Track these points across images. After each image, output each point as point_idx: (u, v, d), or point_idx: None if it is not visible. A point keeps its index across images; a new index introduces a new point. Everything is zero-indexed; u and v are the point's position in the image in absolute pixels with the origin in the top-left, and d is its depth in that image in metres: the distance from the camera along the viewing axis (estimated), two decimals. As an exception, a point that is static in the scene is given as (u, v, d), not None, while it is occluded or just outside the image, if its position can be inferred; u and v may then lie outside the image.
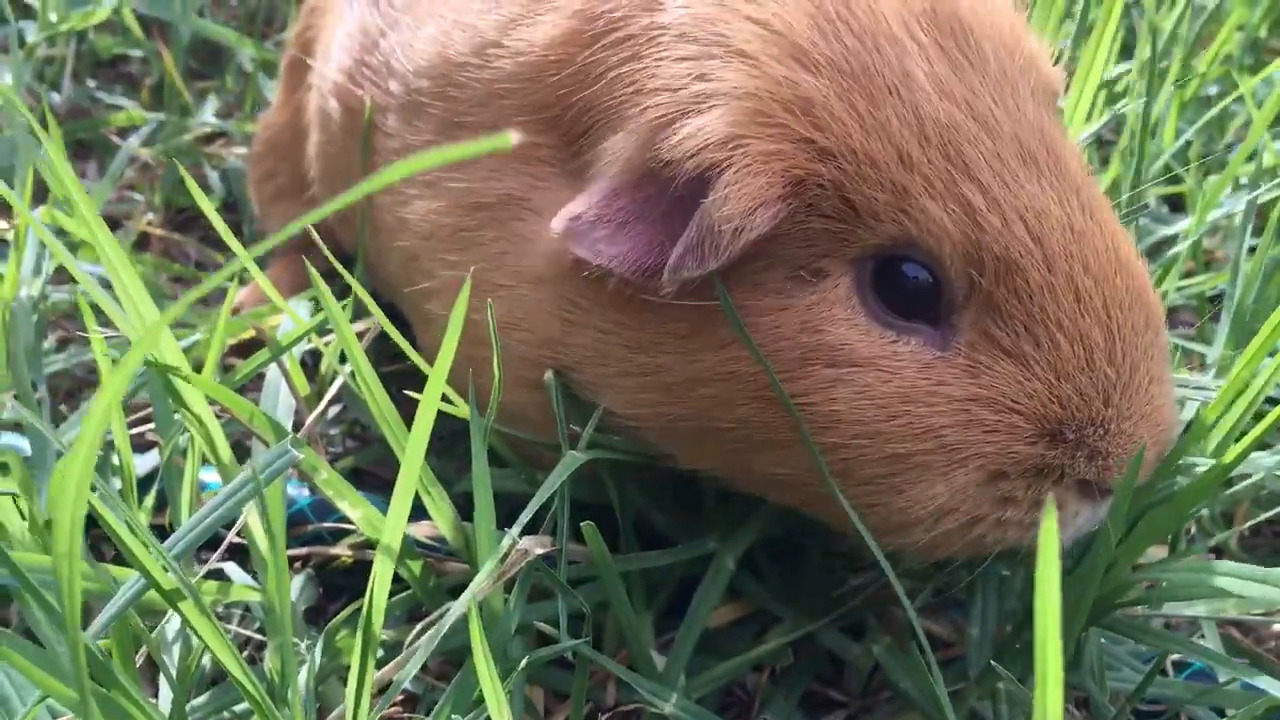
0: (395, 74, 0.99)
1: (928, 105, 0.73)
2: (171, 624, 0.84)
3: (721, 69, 0.74)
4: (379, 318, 0.88)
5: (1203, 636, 0.96)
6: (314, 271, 0.88)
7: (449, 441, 1.04)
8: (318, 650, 0.83)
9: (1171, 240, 1.27)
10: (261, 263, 1.38)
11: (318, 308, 1.21)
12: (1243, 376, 0.80)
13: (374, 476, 1.13)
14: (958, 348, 0.75)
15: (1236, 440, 0.83)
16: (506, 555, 0.75)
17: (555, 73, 0.82)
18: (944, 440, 0.73)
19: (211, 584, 0.87)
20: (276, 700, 0.76)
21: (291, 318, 0.99)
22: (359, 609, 0.87)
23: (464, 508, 0.90)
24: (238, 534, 0.85)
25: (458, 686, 0.74)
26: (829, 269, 0.75)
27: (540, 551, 0.76)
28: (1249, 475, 1.08)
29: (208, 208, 0.91)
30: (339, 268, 0.89)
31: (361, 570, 0.91)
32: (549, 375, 0.83)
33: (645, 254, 0.75)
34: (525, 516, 0.76)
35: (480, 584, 0.71)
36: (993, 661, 0.75)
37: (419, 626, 0.81)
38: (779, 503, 0.84)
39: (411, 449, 0.68)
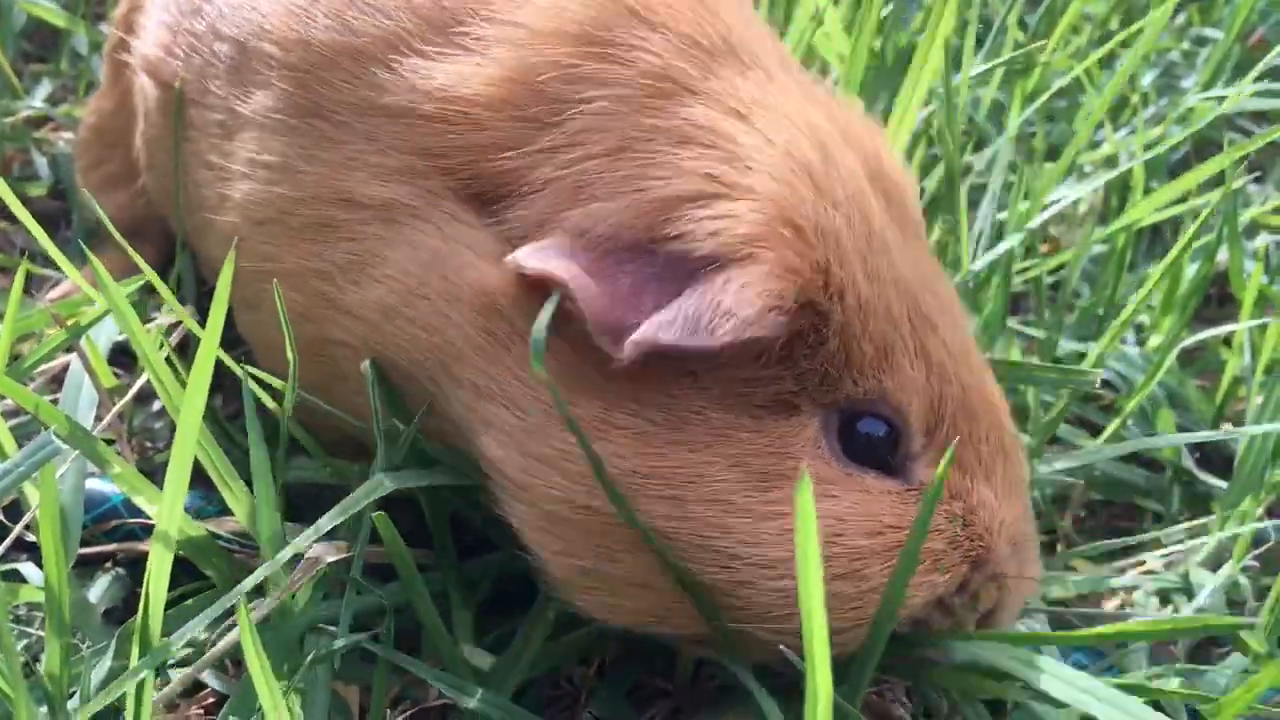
0: (223, 38, 0.94)
1: (898, 263, 0.75)
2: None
3: (750, 172, 0.72)
4: (178, 311, 0.83)
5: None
6: (90, 260, 0.82)
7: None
8: (109, 653, 0.78)
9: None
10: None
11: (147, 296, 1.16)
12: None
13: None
14: (920, 483, 0.77)
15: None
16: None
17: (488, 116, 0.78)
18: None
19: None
20: (54, 709, 0.72)
21: (100, 302, 0.94)
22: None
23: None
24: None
25: (243, 688, 0.71)
26: (802, 406, 0.75)
27: (332, 559, 0.73)
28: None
29: (11, 199, 0.86)
30: (143, 265, 0.85)
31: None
32: (365, 365, 0.80)
33: (610, 308, 0.70)
34: (326, 525, 0.72)
35: (251, 584, 0.67)
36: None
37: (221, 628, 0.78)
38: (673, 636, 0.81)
39: (184, 426, 0.65)
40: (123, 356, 1.13)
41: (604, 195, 0.73)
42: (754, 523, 0.72)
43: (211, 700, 0.87)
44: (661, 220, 0.71)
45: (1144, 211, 1.15)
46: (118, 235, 0.86)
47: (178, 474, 0.67)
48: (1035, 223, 1.14)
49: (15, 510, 0.91)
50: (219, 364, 0.77)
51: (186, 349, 1.15)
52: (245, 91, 0.90)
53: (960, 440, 0.75)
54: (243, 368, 0.81)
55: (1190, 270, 1.23)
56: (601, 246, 0.72)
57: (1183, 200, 1.24)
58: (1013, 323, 1.25)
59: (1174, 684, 0.85)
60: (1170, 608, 1.02)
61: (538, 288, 0.71)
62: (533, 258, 0.71)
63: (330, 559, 0.73)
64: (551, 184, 0.76)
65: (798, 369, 0.74)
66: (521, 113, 0.78)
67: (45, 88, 1.56)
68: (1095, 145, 1.48)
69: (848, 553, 0.73)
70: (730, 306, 0.67)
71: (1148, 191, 1.30)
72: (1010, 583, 0.79)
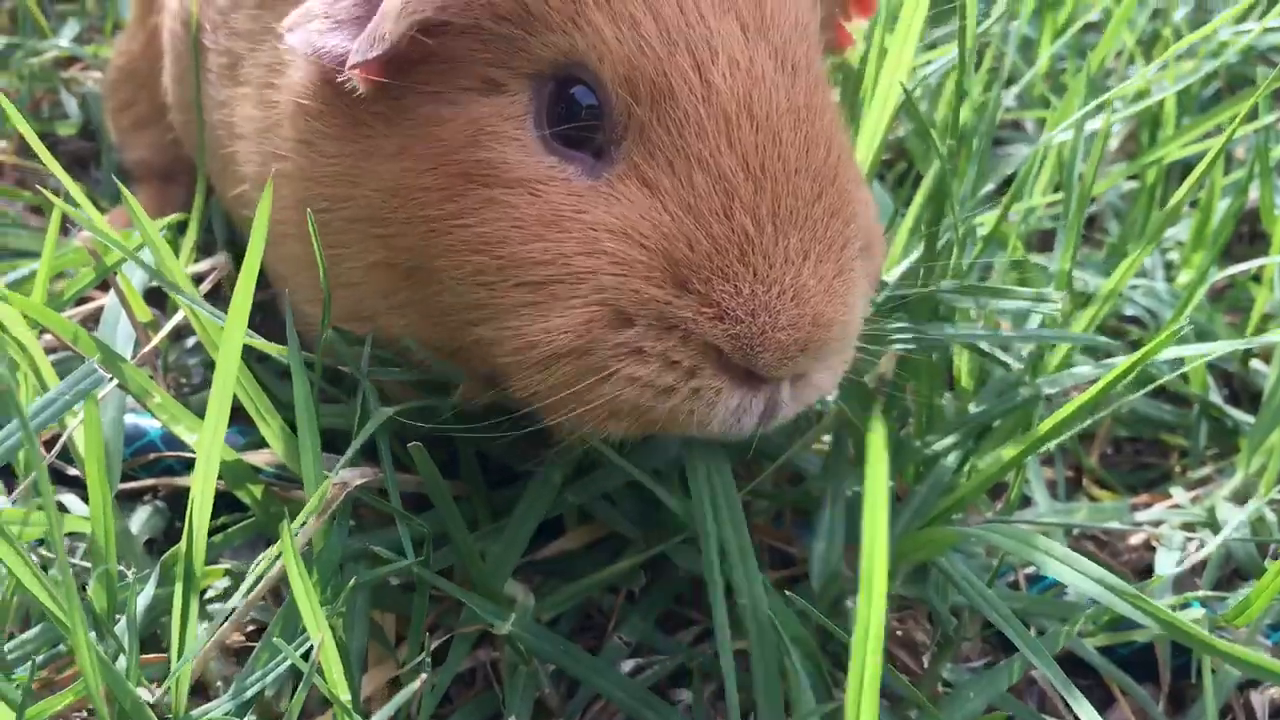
0: None
1: None
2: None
3: None
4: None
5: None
6: (125, 198, 0.83)
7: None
8: (152, 581, 0.80)
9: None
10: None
11: (179, 233, 1.17)
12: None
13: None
14: (607, 177, 0.71)
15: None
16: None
17: None
18: (572, 268, 0.69)
19: (42, 515, 0.83)
20: (102, 632, 0.73)
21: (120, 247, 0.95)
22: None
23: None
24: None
25: (284, 614, 0.72)
26: (505, 82, 0.72)
27: (361, 482, 0.74)
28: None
29: (31, 137, 0.86)
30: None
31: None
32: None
33: (342, 47, 0.71)
34: (349, 453, 0.74)
35: (299, 522, 0.69)
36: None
37: (259, 557, 0.79)
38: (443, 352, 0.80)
39: (224, 361, 0.66)
40: (159, 296, 1.14)
41: None
42: (442, 237, 0.72)
43: (252, 628, 0.89)
44: None
45: (1175, 146, 1.14)
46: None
47: (220, 398, 0.68)
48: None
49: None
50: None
51: (219, 292, 1.16)
52: (234, 18, 0.91)
53: (663, 122, 0.69)
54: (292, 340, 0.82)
55: (1221, 206, 1.22)
56: None
57: (1214, 134, 1.23)
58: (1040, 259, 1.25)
59: (1199, 613, 0.86)
60: (1195, 542, 1.02)
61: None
62: (288, 29, 0.73)
63: (359, 482, 0.74)
64: None
65: (485, 35, 0.72)
66: None
67: (72, 28, 1.56)
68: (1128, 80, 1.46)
69: (511, 259, 0.70)
70: (390, 5, 0.68)
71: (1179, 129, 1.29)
72: (740, 304, 0.68)
